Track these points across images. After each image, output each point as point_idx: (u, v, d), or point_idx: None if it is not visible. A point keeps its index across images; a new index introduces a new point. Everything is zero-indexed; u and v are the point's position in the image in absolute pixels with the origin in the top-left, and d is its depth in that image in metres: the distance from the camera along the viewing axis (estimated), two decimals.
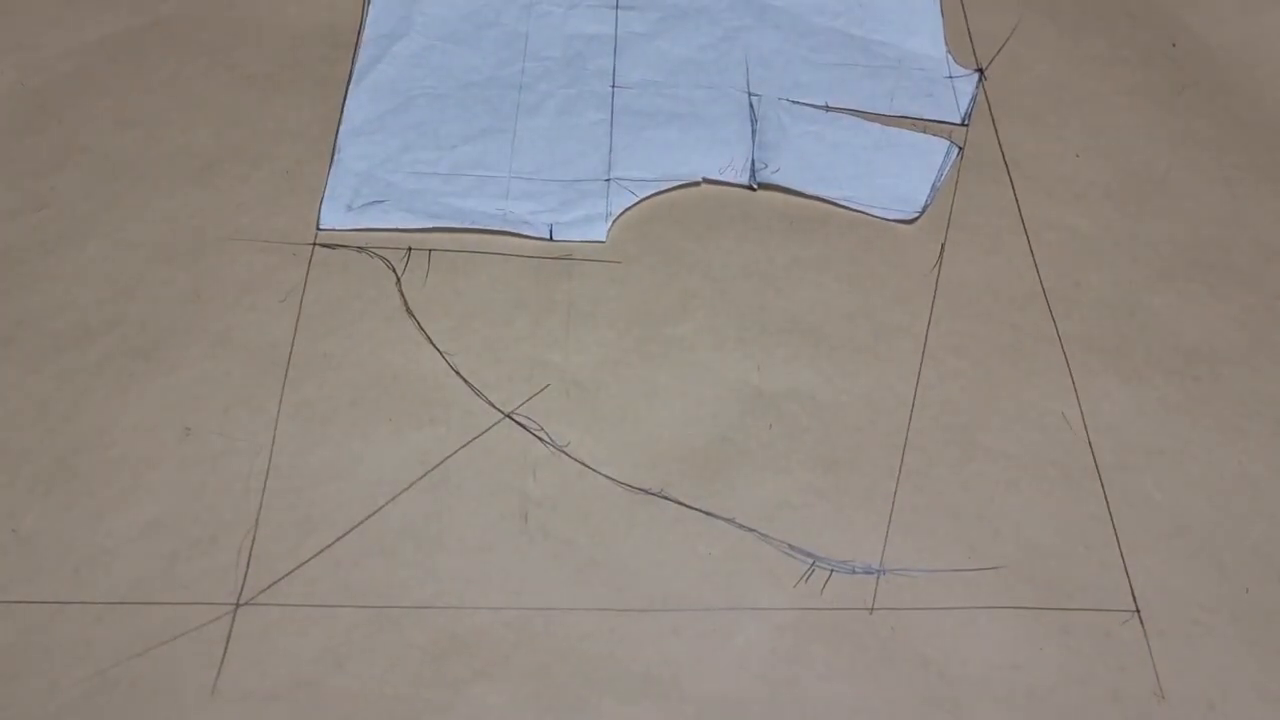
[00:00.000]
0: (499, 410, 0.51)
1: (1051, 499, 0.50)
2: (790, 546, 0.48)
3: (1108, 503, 0.50)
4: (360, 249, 0.57)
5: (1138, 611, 0.47)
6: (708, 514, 0.49)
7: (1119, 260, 0.60)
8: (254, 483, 0.48)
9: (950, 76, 0.68)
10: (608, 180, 0.61)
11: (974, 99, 0.67)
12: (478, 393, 0.52)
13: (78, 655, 0.43)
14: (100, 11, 0.68)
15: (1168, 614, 0.47)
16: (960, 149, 0.64)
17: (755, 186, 0.61)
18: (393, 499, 0.48)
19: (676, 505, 0.49)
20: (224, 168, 0.60)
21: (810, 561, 0.47)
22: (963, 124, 0.66)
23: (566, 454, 0.50)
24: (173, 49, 0.66)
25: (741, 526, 0.48)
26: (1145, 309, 0.57)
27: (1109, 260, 0.59)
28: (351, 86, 0.65)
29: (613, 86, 0.66)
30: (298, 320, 0.54)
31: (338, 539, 0.47)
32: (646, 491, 0.49)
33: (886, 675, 0.44)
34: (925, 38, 0.70)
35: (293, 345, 0.53)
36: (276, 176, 0.60)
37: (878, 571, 0.47)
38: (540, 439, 0.50)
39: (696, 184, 0.61)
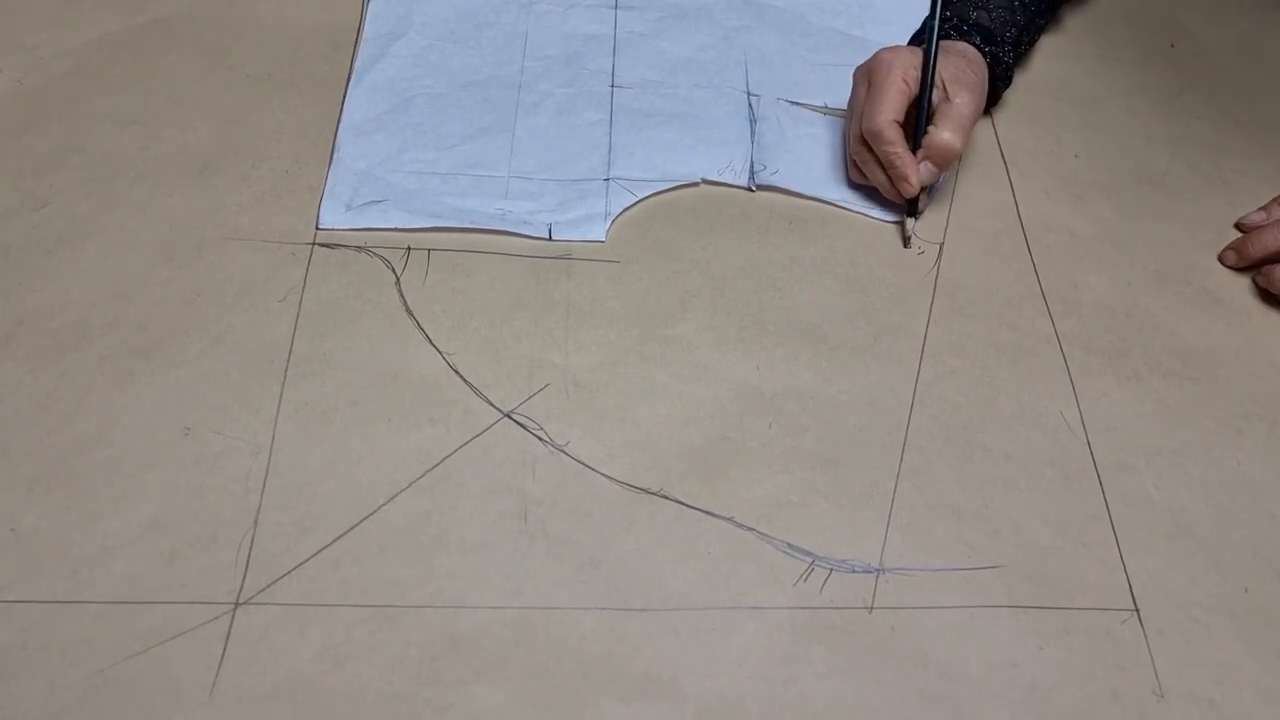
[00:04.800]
0: (498, 410, 0.51)
1: (1050, 498, 0.50)
2: (789, 545, 0.48)
3: (1106, 502, 0.50)
4: (359, 249, 0.57)
5: (1137, 610, 0.47)
6: (707, 513, 0.49)
7: (1117, 261, 0.60)
8: (253, 482, 0.48)
9: None
10: (607, 180, 0.61)
11: None
12: (477, 392, 0.52)
13: (77, 654, 0.43)
14: (99, 11, 0.68)
15: (1167, 613, 0.47)
16: None
17: (754, 188, 0.62)
18: (392, 498, 0.48)
19: (676, 504, 0.49)
20: (224, 167, 0.60)
21: (809, 560, 0.47)
22: None
23: (566, 453, 0.50)
24: (172, 49, 0.66)
25: (741, 525, 0.48)
26: (1143, 310, 0.57)
27: (1107, 261, 0.60)
28: (351, 86, 0.65)
29: (612, 86, 0.66)
30: (297, 320, 0.54)
31: (337, 538, 0.47)
32: (646, 491, 0.49)
33: (886, 674, 0.44)
34: None
35: (292, 345, 0.53)
36: (276, 176, 0.60)
37: (877, 570, 0.47)
38: (539, 438, 0.50)
39: (695, 184, 0.62)
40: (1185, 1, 0.75)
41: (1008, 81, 0.64)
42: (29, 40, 0.66)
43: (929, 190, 0.60)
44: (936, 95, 0.59)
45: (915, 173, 0.57)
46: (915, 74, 0.58)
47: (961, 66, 0.59)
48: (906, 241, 0.60)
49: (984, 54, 0.61)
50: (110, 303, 0.54)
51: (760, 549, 0.48)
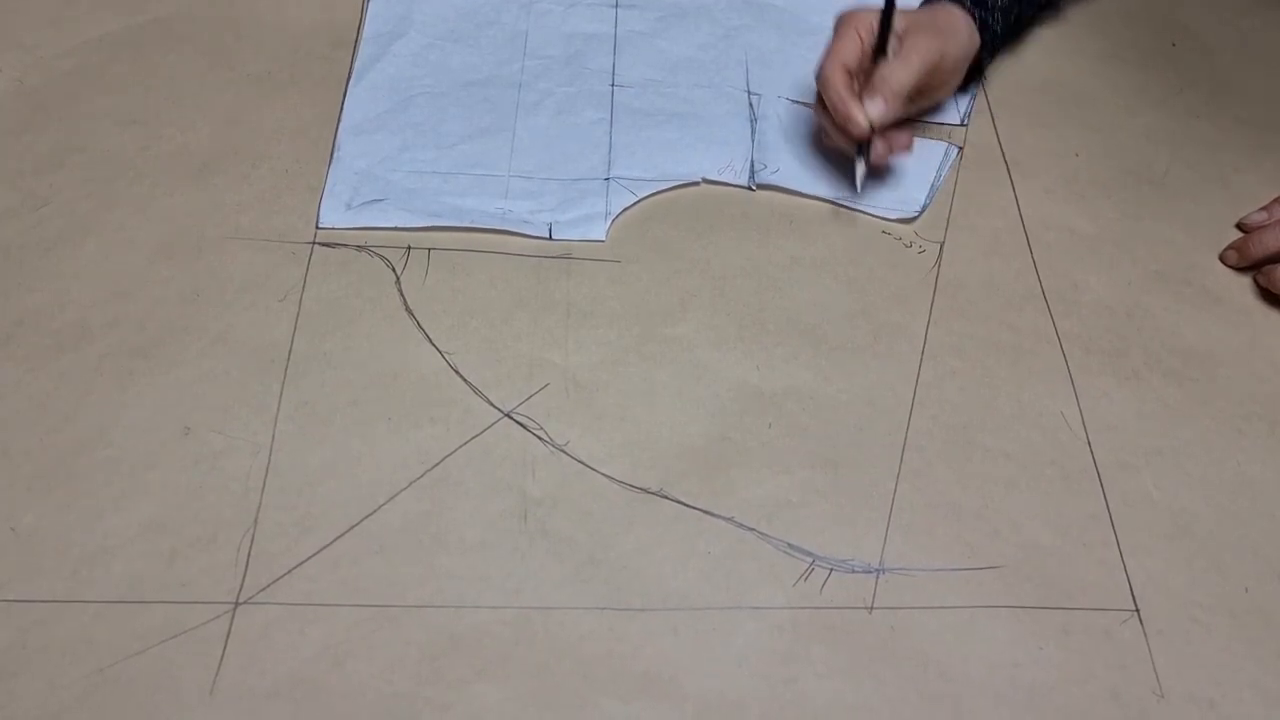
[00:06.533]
0: (498, 409, 0.51)
1: (1051, 498, 0.50)
2: (789, 545, 0.48)
3: (1107, 502, 0.50)
4: (360, 248, 0.57)
5: (1137, 610, 0.47)
6: (707, 513, 0.49)
7: (1118, 261, 0.60)
8: (253, 482, 0.48)
9: None
10: (607, 179, 0.61)
11: (973, 99, 0.67)
12: (477, 392, 0.52)
13: (77, 654, 0.43)
14: (99, 10, 0.68)
15: (1167, 613, 0.47)
16: (960, 149, 0.64)
17: (754, 187, 0.61)
18: (392, 498, 0.48)
19: (676, 504, 0.49)
20: (223, 167, 0.60)
21: (810, 560, 0.47)
22: (962, 124, 0.66)
23: (566, 453, 0.50)
24: (172, 48, 0.66)
25: (741, 525, 0.48)
26: (1143, 310, 0.57)
27: (1108, 260, 0.60)
28: (351, 85, 0.65)
29: (612, 85, 0.66)
30: (297, 319, 0.54)
31: (337, 538, 0.47)
32: (646, 490, 0.49)
33: (886, 674, 0.44)
34: None
35: (292, 344, 0.53)
36: (276, 175, 0.60)
37: (877, 570, 0.47)
38: (539, 438, 0.50)
39: (695, 184, 0.62)
40: (1186, 1, 0.75)
41: (993, 52, 0.64)
42: (29, 40, 0.66)
43: (880, 147, 0.59)
44: (894, 42, 0.59)
45: (860, 111, 0.57)
46: (873, 27, 0.58)
47: (929, 20, 0.59)
48: (859, 187, 0.60)
49: (972, 16, 0.61)
50: (110, 302, 0.54)
51: (760, 549, 0.48)
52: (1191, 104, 0.68)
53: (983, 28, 0.62)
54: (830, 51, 0.58)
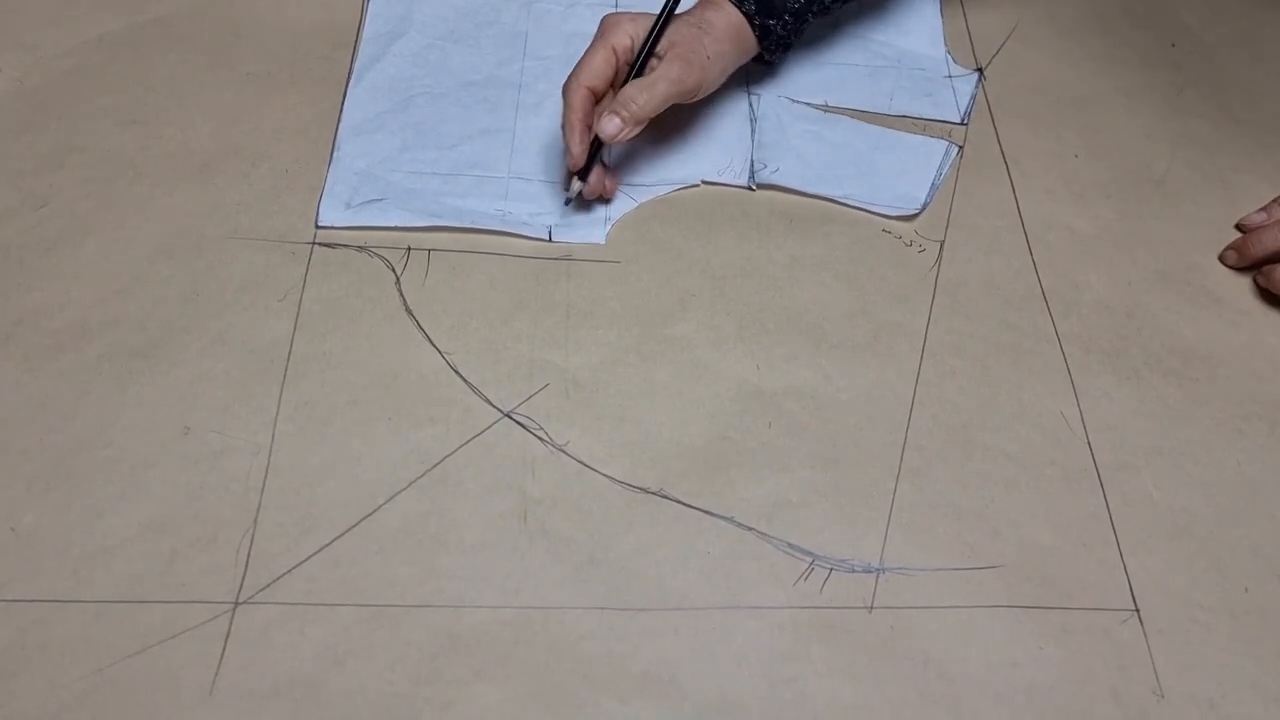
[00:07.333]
0: (498, 409, 0.51)
1: (1051, 498, 0.50)
2: (789, 545, 0.48)
3: (1107, 502, 0.50)
4: (360, 248, 0.57)
5: (1137, 610, 0.47)
6: (707, 513, 0.49)
7: (1118, 260, 0.60)
8: (253, 481, 0.48)
9: (949, 76, 0.68)
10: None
11: (973, 98, 0.67)
12: (477, 392, 0.52)
13: (76, 654, 0.43)
14: (99, 10, 0.68)
15: (1167, 613, 0.47)
16: (959, 148, 0.64)
17: (754, 187, 0.61)
18: (391, 498, 0.48)
19: (675, 504, 0.49)
20: (223, 166, 0.60)
21: (809, 560, 0.47)
22: (962, 123, 0.66)
23: (565, 453, 0.50)
24: (172, 48, 0.66)
25: (741, 525, 0.48)
26: (1143, 309, 0.57)
27: (1108, 260, 0.60)
28: (351, 85, 0.65)
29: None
30: (297, 319, 0.54)
31: (336, 538, 0.47)
32: (645, 490, 0.49)
33: (886, 674, 0.44)
34: (925, 37, 0.71)
35: (292, 344, 0.53)
36: (276, 175, 0.60)
37: (877, 570, 0.47)
38: (539, 438, 0.50)
39: (695, 185, 0.62)
40: (1186, 0, 0.75)
41: (779, 49, 0.63)
42: (29, 39, 0.66)
43: (606, 161, 0.59)
44: (653, 62, 0.56)
45: (578, 144, 0.55)
46: (629, 43, 0.56)
47: (694, 43, 0.56)
48: (567, 201, 0.58)
49: (753, 25, 0.59)
50: (110, 302, 0.54)
51: (760, 548, 0.48)
52: (1191, 104, 0.68)
53: (764, 33, 0.60)
54: (579, 66, 0.56)
